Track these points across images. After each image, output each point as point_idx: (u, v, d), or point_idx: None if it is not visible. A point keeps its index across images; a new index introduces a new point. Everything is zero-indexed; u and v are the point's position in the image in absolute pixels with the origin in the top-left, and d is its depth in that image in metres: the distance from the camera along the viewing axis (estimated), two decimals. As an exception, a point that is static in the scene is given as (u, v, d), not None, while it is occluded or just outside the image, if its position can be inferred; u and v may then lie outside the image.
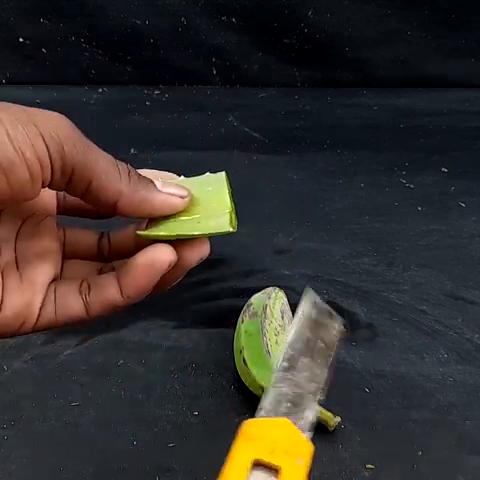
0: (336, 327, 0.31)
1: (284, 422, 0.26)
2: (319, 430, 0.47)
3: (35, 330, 0.29)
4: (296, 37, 1.05)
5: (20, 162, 0.24)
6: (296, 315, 0.30)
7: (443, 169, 0.85)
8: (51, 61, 1.08)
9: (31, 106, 0.25)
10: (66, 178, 0.26)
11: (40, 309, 0.29)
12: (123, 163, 0.28)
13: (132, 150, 0.89)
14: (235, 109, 1.02)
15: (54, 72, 1.09)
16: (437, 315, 0.59)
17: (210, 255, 0.71)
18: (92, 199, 0.27)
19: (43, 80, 1.09)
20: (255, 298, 0.55)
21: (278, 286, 0.57)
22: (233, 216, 0.30)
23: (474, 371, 0.53)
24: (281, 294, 0.56)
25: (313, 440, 0.26)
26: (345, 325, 0.31)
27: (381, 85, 1.09)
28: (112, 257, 0.33)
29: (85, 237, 0.33)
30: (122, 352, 0.55)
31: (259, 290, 0.56)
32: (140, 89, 1.09)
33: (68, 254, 0.33)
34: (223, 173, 0.33)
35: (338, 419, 0.47)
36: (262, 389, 0.48)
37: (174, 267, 0.29)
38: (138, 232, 0.30)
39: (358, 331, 0.58)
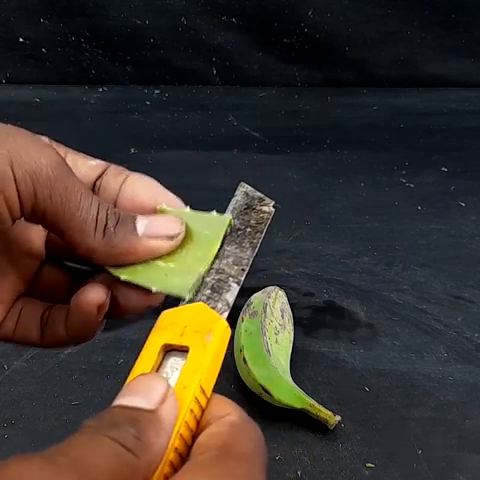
0: (266, 210, 0.30)
1: (199, 306, 0.25)
2: (319, 429, 0.47)
3: None
4: (296, 37, 1.05)
5: None
6: (228, 207, 0.30)
7: (443, 169, 0.85)
8: (51, 61, 1.08)
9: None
10: (38, 221, 0.25)
11: (0, 324, 0.28)
12: (104, 213, 0.25)
13: (132, 150, 0.90)
14: (235, 109, 1.02)
15: (54, 72, 1.09)
16: (437, 314, 0.59)
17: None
18: (68, 245, 0.26)
19: (43, 80, 1.09)
20: (255, 297, 0.55)
21: (278, 285, 0.57)
22: (196, 281, 0.26)
23: (474, 370, 0.53)
24: (281, 293, 0.56)
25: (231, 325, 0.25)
26: (275, 205, 0.30)
27: (381, 85, 1.09)
28: None
29: (57, 276, 0.30)
30: (122, 351, 0.55)
31: (259, 289, 0.56)
32: (140, 89, 1.09)
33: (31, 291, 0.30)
34: (228, 219, 0.29)
35: (338, 418, 0.47)
36: (262, 388, 0.48)
37: (117, 307, 0.27)
38: (106, 267, 0.27)
39: (358, 330, 0.58)
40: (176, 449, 0.21)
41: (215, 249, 0.27)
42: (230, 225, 0.28)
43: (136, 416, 0.21)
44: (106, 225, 0.25)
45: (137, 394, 0.22)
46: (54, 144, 0.28)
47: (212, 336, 0.24)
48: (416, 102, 1.05)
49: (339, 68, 1.09)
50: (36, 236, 0.29)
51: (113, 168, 0.29)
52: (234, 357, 0.52)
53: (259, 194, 0.30)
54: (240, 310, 0.54)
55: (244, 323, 0.52)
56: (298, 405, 0.47)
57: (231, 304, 0.26)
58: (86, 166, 0.28)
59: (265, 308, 0.52)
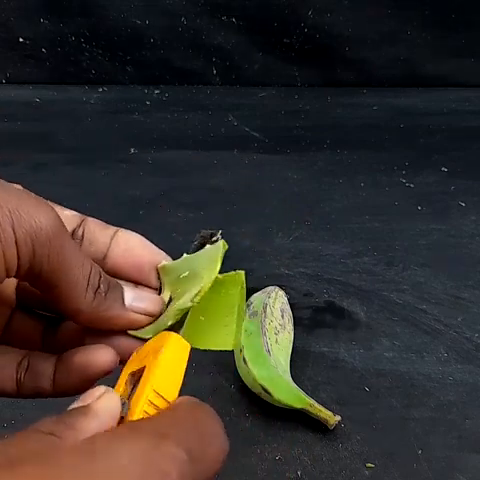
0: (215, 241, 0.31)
1: (160, 335, 0.26)
2: (319, 429, 0.47)
3: None
4: (296, 37, 1.05)
5: None
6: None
7: (443, 169, 0.85)
8: (51, 61, 1.08)
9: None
10: (30, 279, 0.24)
11: None
12: (97, 276, 0.25)
13: (132, 150, 0.90)
14: (235, 109, 1.02)
15: (54, 72, 1.09)
16: (437, 314, 0.59)
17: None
18: (53, 302, 0.25)
19: (43, 80, 1.09)
20: (255, 297, 0.55)
21: (278, 285, 0.57)
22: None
23: (474, 370, 0.53)
24: (281, 293, 0.56)
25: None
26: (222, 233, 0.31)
27: (381, 85, 1.09)
28: (55, 348, 0.29)
29: (28, 323, 0.29)
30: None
31: (259, 289, 0.56)
32: (140, 89, 1.09)
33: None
34: (242, 274, 0.30)
35: (338, 418, 0.47)
36: (262, 388, 0.48)
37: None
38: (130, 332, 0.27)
39: (358, 330, 0.58)
40: None
41: (237, 301, 0.28)
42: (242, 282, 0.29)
43: (68, 413, 0.21)
44: (98, 289, 0.25)
45: (78, 401, 0.22)
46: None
47: (163, 348, 0.25)
48: (416, 102, 1.05)
49: (339, 68, 1.09)
50: (6, 284, 0.28)
51: (93, 221, 0.29)
52: (234, 357, 0.52)
53: (210, 231, 0.31)
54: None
55: (244, 323, 0.52)
56: (298, 405, 0.47)
57: (184, 322, 0.27)
58: (62, 216, 0.28)
59: (265, 308, 0.52)
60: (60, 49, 1.07)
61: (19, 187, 0.25)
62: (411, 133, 0.95)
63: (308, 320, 0.59)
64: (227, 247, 0.29)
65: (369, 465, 0.45)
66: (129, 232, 0.29)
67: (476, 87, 1.08)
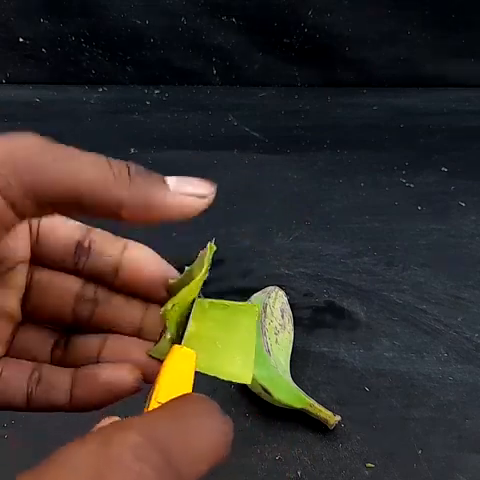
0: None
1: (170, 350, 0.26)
2: (319, 429, 0.47)
3: None
4: (296, 37, 1.05)
5: None
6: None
7: (443, 169, 0.85)
8: (51, 61, 1.08)
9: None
10: (45, 207, 0.21)
11: None
12: (121, 162, 0.23)
13: (132, 150, 0.89)
14: (235, 109, 1.02)
15: (54, 72, 1.09)
16: (437, 314, 0.59)
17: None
18: (89, 216, 0.22)
19: (43, 80, 1.09)
20: (255, 297, 0.55)
21: (278, 285, 0.57)
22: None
23: (474, 370, 0.53)
24: (281, 293, 0.56)
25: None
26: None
27: (381, 85, 1.09)
28: (65, 362, 0.28)
29: (38, 336, 0.28)
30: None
31: (259, 289, 0.56)
32: (140, 89, 1.09)
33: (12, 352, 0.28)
34: (256, 307, 0.29)
35: (338, 418, 0.47)
36: (262, 388, 0.48)
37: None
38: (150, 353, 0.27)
39: (358, 330, 0.58)
40: None
41: (254, 337, 0.28)
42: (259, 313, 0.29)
43: None
44: (129, 171, 0.22)
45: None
46: None
47: (166, 361, 0.25)
48: (416, 102, 1.05)
49: (339, 68, 1.09)
50: (10, 297, 0.28)
51: (100, 232, 0.28)
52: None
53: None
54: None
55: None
56: (298, 405, 0.47)
57: (186, 334, 0.27)
58: (65, 226, 0.27)
59: (265, 308, 0.52)
60: (60, 49, 1.07)
61: None
62: (411, 133, 0.95)
63: (308, 320, 0.59)
64: (215, 248, 0.28)
65: (369, 465, 0.45)
66: (138, 245, 0.28)
67: (476, 87, 1.08)
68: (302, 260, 0.67)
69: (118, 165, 0.22)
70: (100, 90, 1.09)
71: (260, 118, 1.00)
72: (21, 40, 1.06)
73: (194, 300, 0.28)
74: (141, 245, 0.28)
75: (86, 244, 0.27)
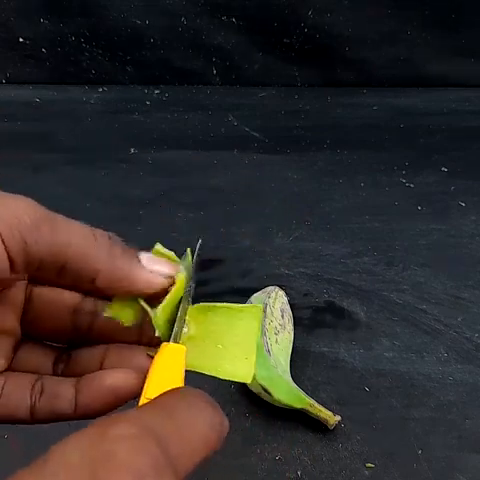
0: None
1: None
2: (319, 429, 0.47)
3: None
4: (296, 37, 1.05)
5: None
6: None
7: (443, 169, 0.85)
8: (51, 61, 1.08)
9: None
10: (33, 269, 0.24)
11: None
12: (104, 234, 0.25)
13: (132, 150, 0.90)
14: (235, 109, 1.02)
15: (54, 72, 1.09)
16: (437, 314, 0.59)
17: (210, 255, 0.71)
18: (66, 281, 0.25)
19: (43, 80, 1.09)
20: (255, 297, 0.55)
21: (278, 285, 0.57)
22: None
23: (474, 370, 0.53)
24: (281, 293, 0.56)
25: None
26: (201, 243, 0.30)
27: (381, 85, 1.09)
28: (68, 373, 0.29)
29: (39, 352, 0.29)
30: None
31: (259, 289, 0.56)
32: (140, 89, 1.09)
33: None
34: (260, 307, 0.30)
35: (338, 418, 0.47)
36: (262, 388, 0.48)
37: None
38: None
39: (358, 330, 0.58)
40: None
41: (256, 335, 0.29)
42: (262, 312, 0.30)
43: None
44: (111, 247, 0.25)
45: None
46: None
47: (155, 358, 0.25)
48: (416, 102, 1.05)
49: (339, 68, 1.09)
50: (9, 313, 0.28)
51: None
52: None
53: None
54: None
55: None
56: (298, 405, 0.47)
57: (175, 331, 0.28)
58: None
59: (265, 308, 0.52)
60: (60, 49, 1.07)
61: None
62: (411, 133, 0.95)
63: (308, 320, 0.59)
64: (190, 254, 0.29)
65: (369, 465, 0.45)
66: None
67: (476, 87, 1.08)
68: (302, 260, 0.67)
69: (102, 237, 0.25)
70: (100, 90, 1.09)
71: (260, 118, 1.00)
72: (21, 40, 1.06)
73: (180, 300, 0.28)
74: None
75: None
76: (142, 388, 0.25)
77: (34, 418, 0.27)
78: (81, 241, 0.24)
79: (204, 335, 0.29)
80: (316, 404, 0.47)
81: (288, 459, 0.46)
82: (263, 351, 0.49)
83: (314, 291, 0.62)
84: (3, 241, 0.22)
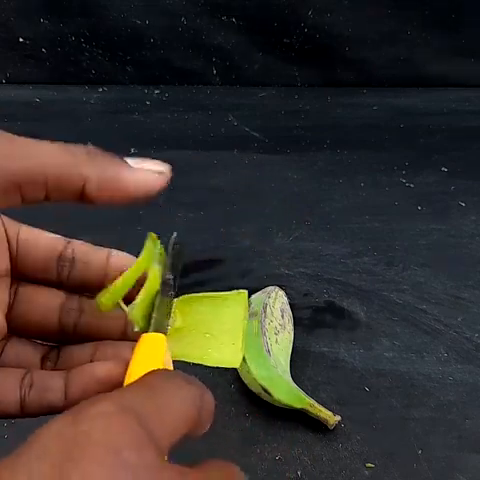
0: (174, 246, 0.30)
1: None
2: (319, 429, 0.47)
3: None
4: (296, 37, 1.05)
5: None
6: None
7: (443, 169, 0.85)
8: (51, 61, 1.08)
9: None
10: (12, 195, 0.23)
11: None
12: (81, 146, 0.24)
13: (132, 150, 0.89)
14: (235, 109, 1.02)
15: (54, 72, 1.09)
16: (437, 314, 0.59)
17: (210, 255, 0.71)
18: (54, 197, 0.23)
19: (43, 80, 1.09)
20: (255, 297, 0.55)
21: (278, 285, 0.57)
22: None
23: (474, 370, 0.53)
24: (281, 293, 0.56)
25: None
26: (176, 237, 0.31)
27: (381, 85, 1.09)
28: (59, 368, 0.29)
29: (27, 349, 0.29)
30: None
31: (259, 289, 0.56)
32: (140, 89, 1.09)
33: None
34: (244, 293, 0.31)
35: (338, 418, 0.47)
36: (262, 388, 0.48)
37: None
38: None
39: (358, 330, 0.58)
40: None
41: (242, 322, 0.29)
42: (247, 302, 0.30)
43: None
44: (92, 151, 0.23)
45: None
46: (5, 219, 0.27)
47: (135, 349, 0.26)
48: (416, 102, 1.05)
49: (339, 68, 1.09)
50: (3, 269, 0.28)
51: (81, 243, 0.29)
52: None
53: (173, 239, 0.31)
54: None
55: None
56: (298, 405, 0.47)
57: (153, 319, 0.28)
58: (45, 239, 0.28)
59: (265, 308, 0.52)
60: (60, 49, 1.07)
61: None
62: (411, 133, 0.95)
63: (308, 320, 0.59)
64: (156, 237, 0.29)
65: (369, 465, 0.45)
66: (121, 253, 0.29)
67: (476, 87, 1.08)
68: (302, 260, 0.67)
69: (79, 147, 0.23)
70: (100, 90, 1.09)
71: (260, 118, 1.00)
72: (21, 40, 1.06)
73: (157, 293, 0.28)
74: (123, 253, 0.29)
75: (69, 254, 0.28)
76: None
77: (24, 412, 0.26)
78: (58, 153, 0.23)
79: (191, 325, 0.29)
80: (316, 404, 0.47)
81: (288, 459, 0.46)
82: (263, 351, 0.49)
83: (314, 291, 0.62)
84: None
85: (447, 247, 0.69)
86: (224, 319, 0.29)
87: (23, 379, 0.27)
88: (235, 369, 0.51)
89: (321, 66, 1.09)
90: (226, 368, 0.29)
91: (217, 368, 0.29)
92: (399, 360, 0.54)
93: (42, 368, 0.29)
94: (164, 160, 0.29)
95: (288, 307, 0.56)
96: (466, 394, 0.51)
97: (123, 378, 0.26)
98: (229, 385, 0.51)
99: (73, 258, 0.28)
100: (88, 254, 0.29)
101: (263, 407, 0.49)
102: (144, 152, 0.89)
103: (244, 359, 0.49)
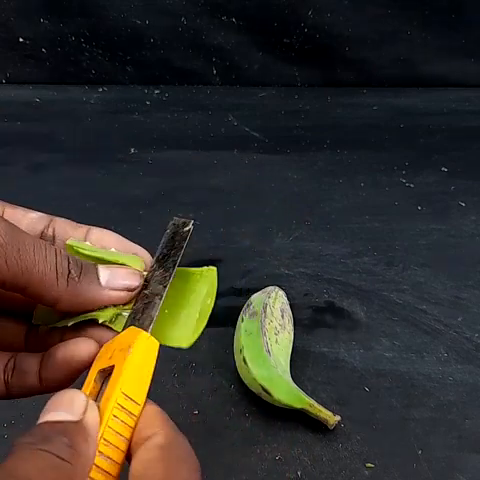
0: (186, 229, 0.32)
1: (129, 330, 0.27)
2: (319, 429, 0.47)
3: None
4: (296, 37, 1.05)
5: None
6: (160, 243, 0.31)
7: (443, 169, 0.85)
8: (51, 61, 1.08)
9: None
10: None
11: None
12: (65, 262, 0.26)
13: (132, 150, 0.89)
14: (235, 109, 1.02)
15: (54, 72, 1.09)
16: (437, 314, 0.59)
17: (210, 255, 0.71)
18: (31, 298, 0.26)
19: (43, 80, 1.09)
20: (255, 297, 0.55)
21: (278, 285, 0.57)
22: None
23: (474, 370, 0.53)
24: (281, 293, 0.56)
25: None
26: (194, 224, 0.32)
27: (381, 85, 1.09)
28: (38, 349, 0.30)
29: (10, 326, 0.30)
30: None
31: (259, 289, 0.56)
32: (140, 89, 1.09)
33: None
34: (213, 270, 0.30)
35: (338, 418, 0.47)
36: (262, 388, 0.48)
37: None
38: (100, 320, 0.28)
39: (358, 330, 0.58)
40: (101, 453, 0.23)
41: (207, 302, 0.29)
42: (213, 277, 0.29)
43: (64, 428, 0.22)
44: (69, 274, 0.26)
45: (61, 408, 0.23)
46: None
47: (132, 348, 0.25)
48: (416, 102, 1.05)
49: (339, 68, 1.09)
50: None
51: (63, 220, 0.30)
52: (234, 357, 0.52)
53: (183, 220, 0.32)
54: (240, 310, 0.54)
55: (244, 323, 0.52)
56: (298, 405, 0.47)
57: (154, 317, 0.27)
58: (28, 219, 0.28)
59: (265, 308, 0.52)
60: (60, 49, 1.07)
61: None
62: (411, 133, 0.95)
63: (308, 320, 0.59)
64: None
65: (369, 465, 0.45)
66: (102, 229, 0.30)
67: (476, 87, 1.08)
68: (302, 260, 0.67)
69: (62, 264, 0.25)
70: (100, 90, 1.09)
71: (260, 118, 1.00)
72: (21, 40, 1.06)
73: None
74: (104, 229, 0.30)
75: (50, 232, 0.29)
76: (93, 359, 0.26)
77: (9, 393, 0.28)
78: (42, 268, 0.24)
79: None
80: (316, 404, 0.47)
81: (288, 459, 0.46)
82: (263, 351, 0.49)
83: (314, 291, 0.62)
84: None
85: (447, 247, 0.69)
86: (184, 296, 0.29)
87: (7, 363, 0.28)
88: (235, 369, 0.51)
89: (321, 66, 1.09)
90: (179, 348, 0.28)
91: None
92: (399, 360, 0.54)
93: (25, 345, 0.30)
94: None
95: (288, 307, 0.56)
96: (466, 394, 0.51)
97: (92, 357, 0.26)
98: (229, 385, 0.51)
99: (53, 236, 0.29)
100: (66, 231, 0.29)
101: (263, 407, 0.49)
102: (144, 152, 0.89)
103: (244, 360, 0.49)
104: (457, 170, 0.84)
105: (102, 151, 0.90)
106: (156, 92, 1.08)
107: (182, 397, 0.50)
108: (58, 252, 0.26)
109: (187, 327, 0.28)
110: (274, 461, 0.46)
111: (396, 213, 0.75)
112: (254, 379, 0.48)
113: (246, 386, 0.50)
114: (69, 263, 0.26)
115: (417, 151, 0.89)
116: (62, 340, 0.28)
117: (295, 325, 0.56)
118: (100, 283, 0.27)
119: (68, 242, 0.28)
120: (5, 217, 0.28)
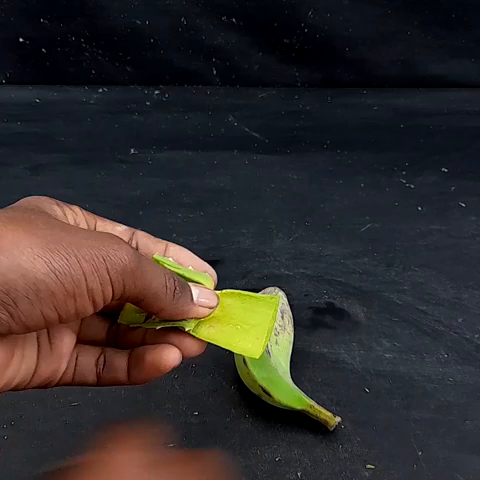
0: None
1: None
2: (319, 430, 0.47)
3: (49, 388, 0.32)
4: (296, 37, 1.05)
5: (88, 301, 0.27)
6: None
7: (443, 169, 0.85)
8: (51, 61, 1.08)
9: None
10: (121, 301, 0.30)
11: (62, 374, 0.32)
12: (172, 280, 0.30)
13: (132, 150, 0.89)
14: (235, 109, 1.02)
15: (54, 72, 1.09)
16: (437, 315, 0.59)
17: (210, 255, 0.71)
18: (141, 307, 0.31)
19: (43, 80, 1.09)
20: (255, 298, 0.55)
21: (278, 286, 0.57)
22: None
23: (474, 371, 0.53)
24: (281, 294, 0.56)
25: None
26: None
27: (381, 85, 1.09)
28: (119, 344, 0.34)
29: (96, 322, 0.34)
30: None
31: (259, 290, 0.56)
32: (140, 89, 1.09)
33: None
34: (277, 298, 0.35)
35: (338, 419, 0.47)
36: (262, 389, 0.48)
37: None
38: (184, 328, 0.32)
39: (358, 331, 0.58)
40: None
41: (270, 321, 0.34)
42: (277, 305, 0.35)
43: None
44: (175, 291, 0.30)
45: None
46: (85, 213, 0.32)
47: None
48: (416, 102, 1.05)
49: (339, 68, 1.09)
50: None
51: (142, 233, 0.34)
52: (234, 358, 0.52)
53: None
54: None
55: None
56: (298, 406, 0.47)
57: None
58: (116, 232, 0.33)
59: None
60: (60, 49, 1.07)
61: (77, 209, 0.31)
62: (411, 133, 0.95)
63: (308, 321, 0.59)
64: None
65: (369, 466, 0.45)
66: (179, 246, 0.34)
67: (476, 87, 1.08)
68: (302, 261, 0.67)
69: (170, 284, 0.30)
70: (100, 90, 1.09)
71: (260, 118, 1.00)
72: (21, 40, 1.06)
73: None
74: (181, 246, 0.35)
75: (134, 245, 0.33)
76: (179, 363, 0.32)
77: (99, 383, 0.33)
78: (157, 286, 0.29)
79: (226, 316, 0.34)
80: (316, 405, 0.47)
81: (288, 460, 0.46)
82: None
83: (314, 292, 0.62)
84: (113, 288, 0.27)
85: (447, 248, 0.69)
86: (254, 316, 0.34)
87: (98, 358, 0.33)
88: (235, 370, 0.51)
89: (321, 66, 1.09)
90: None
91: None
92: (399, 361, 0.54)
93: (107, 340, 0.34)
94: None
95: (288, 308, 0.56)
96: (466, 395, 0.51)
97: (176, 362, 0.31)
98: (229, 386, 0.51)
99: (137, 248, 0.33)
100: (148, 246, 0.33)
101: (263, 408, 0.49)
102: (144, 152, 0.89)
103: (244, 360, 0.49)
104: (457, 170, 0.84)
105: (102, 151, 0.90)
106: (156, 92, 1.09)
107: (182, 398, 0.50)
108: (166, 272, 0.30)
109: (258, 341, 0.33)
110: (274, 462, 0.45)
111: (396, 214, 0.75)
112: (254, 380, 0.48)
113: (246, 387, 0.50)
114: (174, 281, 0.30)
115: (417, 151, 0.89)
116: (143, 339, 0.33)
117: (295, 326, 0.55)
118: (192, 299, 0.32)
119: (155, 256, 0.32)
120: (98, 229, 0.32)
